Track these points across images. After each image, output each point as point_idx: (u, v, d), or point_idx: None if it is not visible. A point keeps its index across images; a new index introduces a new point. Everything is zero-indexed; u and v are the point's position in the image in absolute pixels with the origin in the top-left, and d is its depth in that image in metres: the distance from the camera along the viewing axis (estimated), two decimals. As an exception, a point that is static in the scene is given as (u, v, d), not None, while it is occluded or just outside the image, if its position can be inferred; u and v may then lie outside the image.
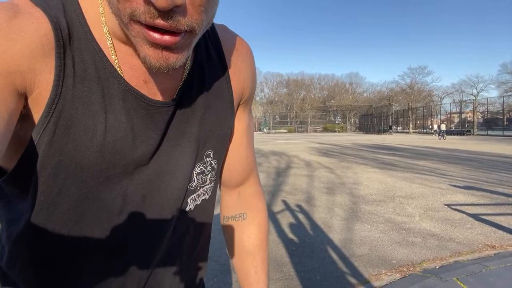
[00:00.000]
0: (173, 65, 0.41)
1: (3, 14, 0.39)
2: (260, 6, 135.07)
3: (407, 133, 49.51)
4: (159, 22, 0.36)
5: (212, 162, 0.60)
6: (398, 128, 44.50)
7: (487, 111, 48.08)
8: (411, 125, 53.37)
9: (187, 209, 0.59)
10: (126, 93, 0.47)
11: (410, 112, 54.75)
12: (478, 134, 37.68)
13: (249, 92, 0.65)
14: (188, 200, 0.58)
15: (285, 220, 4.31)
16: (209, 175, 0.61)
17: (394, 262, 3.05)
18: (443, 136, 28.14)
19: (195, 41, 0.42)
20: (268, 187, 6.43)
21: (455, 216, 4.47)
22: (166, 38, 0.38)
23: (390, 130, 46.52)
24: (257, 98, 73.58)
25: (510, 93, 49.46)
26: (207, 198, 0.63)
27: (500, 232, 3.80)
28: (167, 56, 0.39)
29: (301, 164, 10.13)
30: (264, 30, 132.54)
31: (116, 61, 0.46)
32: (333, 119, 70.99)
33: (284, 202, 5.24)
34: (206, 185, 0.61)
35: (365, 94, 76.67)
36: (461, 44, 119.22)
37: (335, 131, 57.10)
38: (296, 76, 78.64)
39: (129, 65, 0.47)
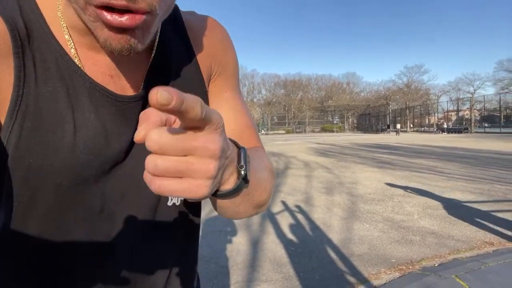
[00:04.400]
0: (134, 46, 0.39)
1: None
2: (255, 7, 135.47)
3: (405, 131, 49.60)
4: (118, 1, 0.34)
5: None
6: (396, 127, 44.78)
7: (484, 109, 48.28)
8: (409, 124, 53.51)
9: (170, 203, 0.57)
10: (92, 90, 0.46)
11: (407, 111, 54.91)
12: (475, 132, 37.80)
13: (221, 66, 0.61)
14: None
15: (284, 220, 4.31)
16: None
17: (393, 260, 3.05)
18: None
19: (156, 22, 0.41)
20: (266, 188, 6.42)
21: (453, 213, 4.48)
22: (125, 20, 0.36)
23: (389, 129, 46.59)
24: (255, 100, 73.65)
25: (506, 90, 49.68)
26: None
27: (498, 229, 3.81)
28: (128, 38, 0.38)
29: (299, 165, 10.13)
30: (260, 31, 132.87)
31: (77, 58, 0.45)
32: (331, 119, 71.11)
33: (283, 202, 5.24)
34: None
35: (362, 94, 76.81)
36: (457, 42, 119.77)
37: (333, 131, 57.18)
38: (293, 76, 78.75)
39: (92, 60, 0.47)
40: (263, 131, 58.66)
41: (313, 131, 59.79)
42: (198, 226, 0.66)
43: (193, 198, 0.33)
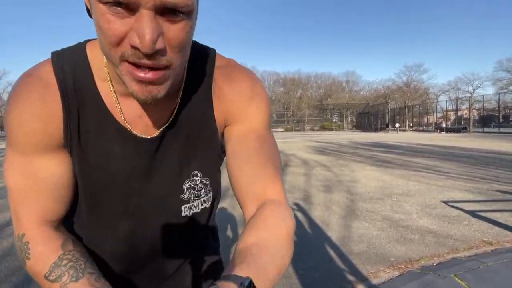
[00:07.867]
0: (156, 96, 0.50)
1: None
2: (256, 4, 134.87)
3: (404, 130, 49.58)
4: (144, 62, 0.45)
5: (203, 180, 0.69)
6: (395, 126, 44.76)
7: (483, 108, 48.34)
8: (408, 123, 53.51)
9: (183, 214, 0.69)
10: (118, 130, 0.61)
11: (406, 110, 54.89)
12: (474, 131, 37.84)
13: (240, 116, 0.66)
14: (182, 208, 0.69)
15: (283, 218, 4.30)
16: (203, 190, 0.70)
17: (392, 259, 3.06)
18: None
19: (174, 74, 0.51)
20: (265, 186, 6.42)
21: (452, 213, 4.49)
22: (149, 75, 0.47)
23: (387, 128, 46.60)
24: (254, 97, 73.37)
25: (505, 90, 49.78)
26: (206, 207, 0.73)
27: (497, 228, 3.82)
28: (150, 89, 0.49)
29: (298, 163, 10.14)
30: (261, 28, 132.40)
31: (117, 104, 0.60)
32: (330, 118, 71.08)
33: (282, 200, 5.23)
34: (202, 197, 0.71)
35: (362, 92, 76.71)
36: (457, 41, 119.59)
37: (332, 130, 57.16)
38: (292, 74, 78.46)
39: (127, 104, 0.61)
40: (262, 129, 58.43)
41: (312, 129, 59.79)
42: (213, 227, 0.88)
43: None
